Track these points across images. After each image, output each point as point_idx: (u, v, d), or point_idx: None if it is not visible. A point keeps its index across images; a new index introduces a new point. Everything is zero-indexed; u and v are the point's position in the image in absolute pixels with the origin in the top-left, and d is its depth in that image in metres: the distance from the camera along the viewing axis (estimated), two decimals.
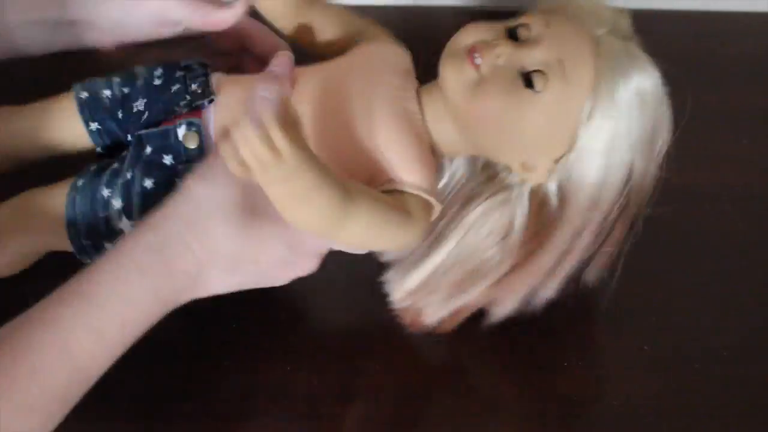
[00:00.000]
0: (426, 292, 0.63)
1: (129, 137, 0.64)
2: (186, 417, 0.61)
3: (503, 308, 0.63)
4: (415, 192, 0.58)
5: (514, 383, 0.64)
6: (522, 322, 0.67)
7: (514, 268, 0.62)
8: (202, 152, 0.60)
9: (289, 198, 0.52)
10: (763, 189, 0.78)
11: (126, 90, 0.65)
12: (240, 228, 0.56)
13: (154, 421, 0.61)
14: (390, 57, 0.63)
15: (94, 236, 0.61)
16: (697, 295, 0.69)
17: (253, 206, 0.56)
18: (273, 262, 0.58)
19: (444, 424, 0.61)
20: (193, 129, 0.61)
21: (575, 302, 0.68)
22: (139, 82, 0.65)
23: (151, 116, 0.63)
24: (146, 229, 0.55)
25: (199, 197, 0.56)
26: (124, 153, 0.63)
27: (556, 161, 0.60)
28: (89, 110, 0.65)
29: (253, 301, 0.67)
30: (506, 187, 0.62)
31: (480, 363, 0.65)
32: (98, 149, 0.66)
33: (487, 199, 0.62)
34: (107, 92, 0.65)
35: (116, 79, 0.66)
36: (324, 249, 0.60)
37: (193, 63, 0.65)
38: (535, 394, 0.63)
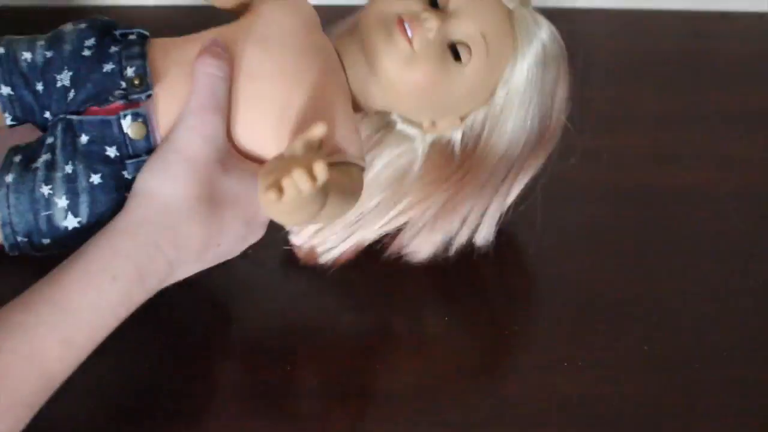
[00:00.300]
0: (324, 232, 0.66)
1: (47, 114, 0.58)
2: (185, 417, 0.61)
3: (418, 251, 0.67)
4: (356, 161, 0.59)
5: (514, 383, 0.64)
6: (521, 322, 0.67)
7: (413, 209, 0.65)
8: (149, 143, 0.57)
9: (289, 214, 0.53)
10: (763, 189, 0.78)
11: (49, 54, 0.58)
12: (205, 219, 0.56)
13: (152, 421, 0.60)
14: (305, 18, 0.62)
15: (32, 234, 0.57)
16: (697, 296, 0.69)
17: (212, 194, 0.56)
18: (233, 240, 0.59)
19: (444, 424, 0.61)
20: (140, 120, 0.57)
21: (575, 302, 0.69)
22: (66, 47, 0.59)
23: (79, 97, 0.57)
24: (115, 235, 0.54)
25: (165, 198, 0.55)
26: (48, 139, 0.57)
27: (463, 118, 0.64)
28: (2, 68, 0.58)
29: (252, 301, 0.67)
30: (406, 137, 0.65)
31: (479, 363, 0.65)
32: (7, 120, 0.59)
33: (388, 147, 0.65)
34: (27, 55, 0.59)
35: (40, 42, 0.59)
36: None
37: (131, 32, 0.60)
38: (535, 394, 0.63)
